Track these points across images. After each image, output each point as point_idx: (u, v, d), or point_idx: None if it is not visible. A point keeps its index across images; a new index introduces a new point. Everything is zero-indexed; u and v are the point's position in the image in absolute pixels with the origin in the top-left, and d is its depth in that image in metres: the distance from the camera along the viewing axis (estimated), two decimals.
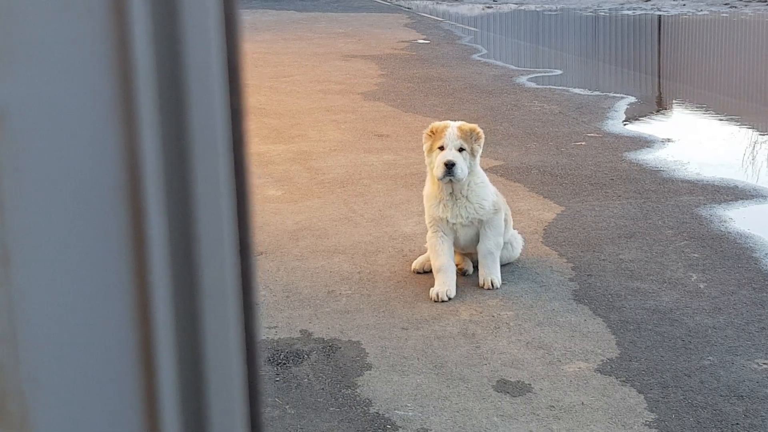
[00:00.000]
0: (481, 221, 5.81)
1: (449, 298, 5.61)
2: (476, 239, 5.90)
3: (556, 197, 7.78)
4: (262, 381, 4.28)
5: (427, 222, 5.90)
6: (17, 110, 0.76)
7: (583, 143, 9.78)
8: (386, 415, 4.34)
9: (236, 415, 0.84)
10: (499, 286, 5.78)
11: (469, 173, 5.76)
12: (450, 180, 5.67)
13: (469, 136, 5.76)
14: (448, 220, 5.78)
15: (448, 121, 5.88)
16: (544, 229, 6.95)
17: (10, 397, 0.78)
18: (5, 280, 0.76)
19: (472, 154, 5.78)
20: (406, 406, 4.43)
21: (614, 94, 12.88)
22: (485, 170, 8.54)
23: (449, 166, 5.61)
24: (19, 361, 0.77)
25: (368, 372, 4.78)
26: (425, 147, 5.83)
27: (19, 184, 0.76)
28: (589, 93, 12.98)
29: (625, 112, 11.59)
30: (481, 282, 5.83)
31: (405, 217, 7.28)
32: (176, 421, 0.81)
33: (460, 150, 5.68)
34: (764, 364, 4.78)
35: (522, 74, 14.63)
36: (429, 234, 5.85)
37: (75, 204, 0.77)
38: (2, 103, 0.76)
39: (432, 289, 5.66)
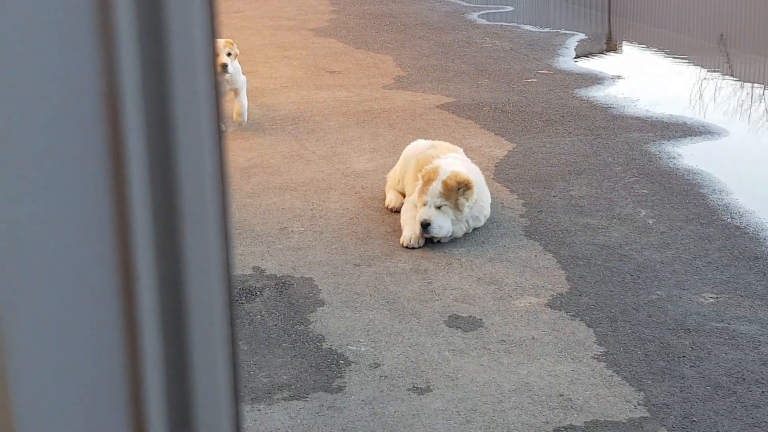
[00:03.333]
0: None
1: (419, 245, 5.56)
2: None
3: (507, 134, 7.80)
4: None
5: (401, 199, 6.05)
6: None
7: (534, 80, 9.80)
8: (339, 351, 4.38)
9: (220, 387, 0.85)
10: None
11: (456, 224, 5.60)
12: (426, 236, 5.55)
13: (454, 191, 5.55)
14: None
15: (439, 166, 5.67)
16: (496, 166, 6.98)
17: None
18: None
19: (457, 207, 5.56)
20: (359, 341, 4.46)
21: (565, 31, 12.89)
22: (437, 107, 8.55)
23: (424, 226, 5.47)
24: None
25: (321, 308, 4.80)
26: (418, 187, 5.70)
27: None
28: (539, 30, 12.97)
29: (575, 49, 11.61)
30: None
31: (357, 154, 7.27)
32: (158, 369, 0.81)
33: (440, 207, 5.53)
34: (710, 298, 4.87)
35: (473, 11, 14.57)
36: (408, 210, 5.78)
37: (54, 128, 0.77)
38: None
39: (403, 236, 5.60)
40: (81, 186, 0.77)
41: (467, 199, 5.57)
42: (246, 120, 7.95)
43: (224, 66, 7.68)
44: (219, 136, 0.82)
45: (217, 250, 0.82)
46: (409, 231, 5.56)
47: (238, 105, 7.98)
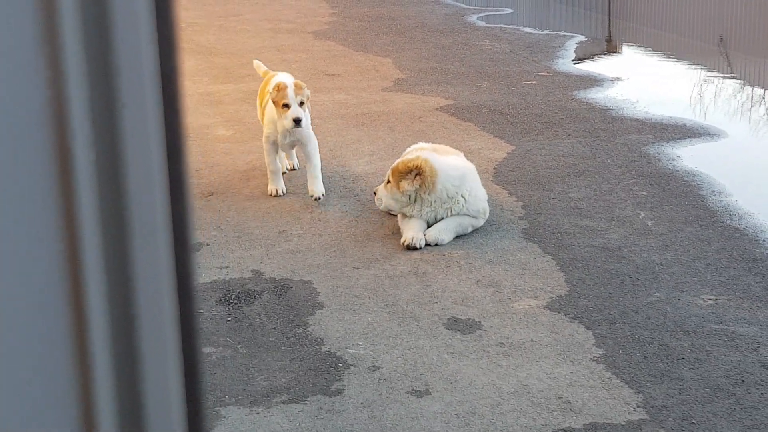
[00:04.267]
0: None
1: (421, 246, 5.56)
2: None
3: (506, 136, 7.80)
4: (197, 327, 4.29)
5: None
6: None
7: (533, 82, 9.80)
8: (338, 354, 4.37)
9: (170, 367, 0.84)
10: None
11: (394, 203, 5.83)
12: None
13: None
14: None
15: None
16: (495, 168, 6.97)
17: None
18: None
19: (398, 188, 5.77)
20: (358, 344, 4.46)
21: (564, 33, 12.89)
22: (437, 109, 8.55)
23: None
24: None
25: (320, 311, 4.80)
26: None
27: None
28: (539, 32, 12.97)
29: (575, 51, 11.61)
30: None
31: (356, 156, 7.27)
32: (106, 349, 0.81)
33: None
34: (709, 299, 4.87)
35: (473, 13, 14.58)
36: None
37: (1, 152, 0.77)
38: None
39: (406, 236, 5.59)
40: (29, 189, 0.77)
41: (411, 186, 5.70)
42: (322, 195, 6.22)
43: (297, 121, 6.13)
44: (179, 140, 0.82)
45: (167, 256, 0.82)
46: (411, 232, 5.56)
47: (311, 174, 6.26)
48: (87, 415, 0.81)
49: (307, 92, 6.28)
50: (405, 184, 5.66)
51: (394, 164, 5.80)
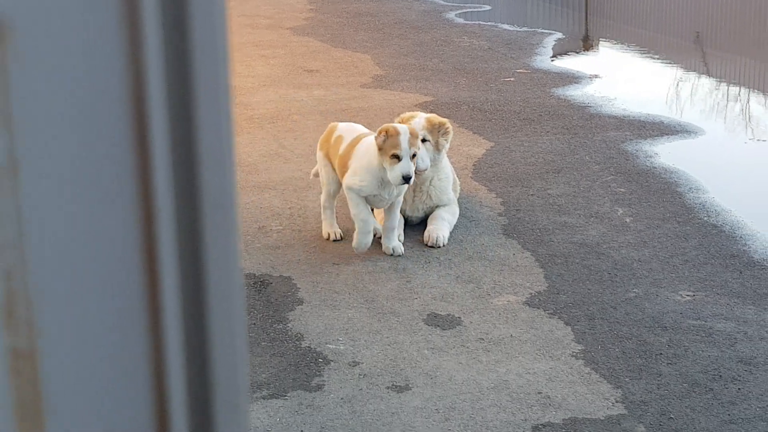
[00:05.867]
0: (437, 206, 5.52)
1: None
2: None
3: (485, 133, 7.82)
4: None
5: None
6: (21, 20, 0.76)
7: (511, 79, 9.83)
8: (318, 349, 4.38)
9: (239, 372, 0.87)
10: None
11: (432, 167, 5.64)
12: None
13: (436, 129, 5.55)
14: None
15: (415, 114, 5.77)
16: (474, 165, 6.99)
17: (18, 304, 0.80)
18: (15, 190, 0.78)
19: (437, 147, 5.61)
20: (338, 340, 4.47)
21: (542, 30, 12.93)
22: (416, 106, 8.56)
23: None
24: (27, 270, 0.79)
25: (299, 307, 4.80)
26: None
27: (26, 97, 0.77)
28: (517, 29, 13.01)
29: (553, 48, 11.64)
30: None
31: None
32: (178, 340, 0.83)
33: (423, 141, 5.40)
34: (687, 295, 4.90)
35: (451, 10, 14.60)
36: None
37: (81, 117, 0.78)
38: (6, 13, 0.76)
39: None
40: (107, 182, 0.80)
41: (447, 141, 5.61)
42: (400, 252, 5.40)
43: (407, 179, 5.16)
44: (232, 132, 0.85)
45: (235, 244, 0.84)
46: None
47: (388, 222, 5.43)
48: (161, 418, 0.83)
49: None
50: (443, 142, 5.56)
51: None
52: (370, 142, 5.34)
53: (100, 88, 0.78)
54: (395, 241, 5.39)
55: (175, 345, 0.82)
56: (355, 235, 5.30)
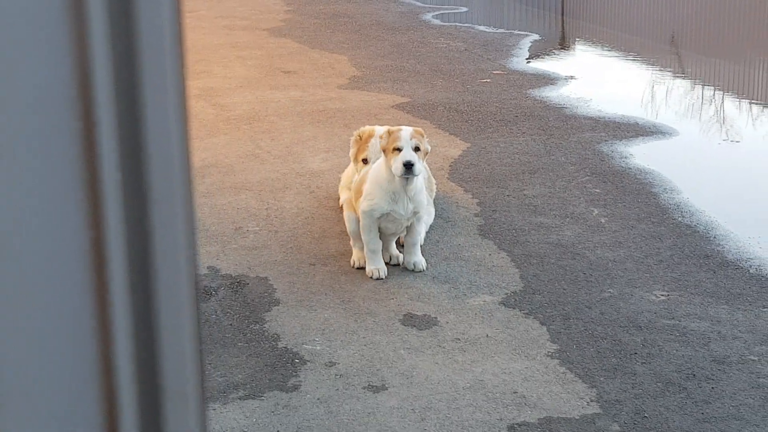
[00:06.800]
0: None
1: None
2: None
3: (461, 134, 7.84)
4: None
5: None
6: None
7: (488, 80, 9.86)
8: (294, 350, 4.38)
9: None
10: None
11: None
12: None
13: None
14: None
15: (374, 128, 5.84)
16: (450, 166, 7.01)
17: None
18: None
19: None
20: (314, 340, 4.47)
21: (519, 32, 12.97)
22: (393, 107, 8.58)
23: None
24: None
25: (276, 307, 4.81)
26: (351, 153, 5.81)
27: None
28: (494, 30, 13.04)
29: (529, 50, 11.68)
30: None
31: (312, 153, 7.28)
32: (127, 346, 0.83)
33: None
34: (662, 295, 4.93)
35: (428, 11, 14.62)
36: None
37: (27, 114, 0.78)
38: None
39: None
40: (54, 180, 0.80)
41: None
42: (422, 267, 5.28)
43: (409, 165, 5.09)
44: (185, 129, 0.84)
45: (185, 237, 0.84)
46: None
47: (410, 237, 5.31)
48: (110, 416, 0.83)
49: (427, 146, 5.35)
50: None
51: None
52: (376, 164, 5.34)
53: (46, 84, 0.78)
54: (418, 255, 5.28)
55: (124, 339, 0.82)
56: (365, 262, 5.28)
